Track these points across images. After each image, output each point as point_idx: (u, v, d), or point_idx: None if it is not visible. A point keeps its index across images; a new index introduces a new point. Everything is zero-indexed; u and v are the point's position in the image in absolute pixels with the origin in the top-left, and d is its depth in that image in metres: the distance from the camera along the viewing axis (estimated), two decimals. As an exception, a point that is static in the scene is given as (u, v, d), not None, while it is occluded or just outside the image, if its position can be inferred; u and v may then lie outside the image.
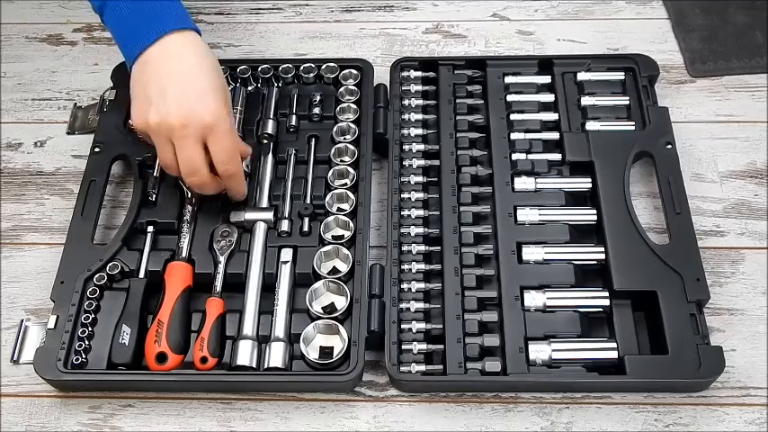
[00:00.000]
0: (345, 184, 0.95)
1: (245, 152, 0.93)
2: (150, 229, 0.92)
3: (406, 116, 1.00)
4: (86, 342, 0.84)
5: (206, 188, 0.89)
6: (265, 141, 0.98)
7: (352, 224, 0.91)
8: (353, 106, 1.01)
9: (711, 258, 0.92)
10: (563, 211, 0.92)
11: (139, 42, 0.85)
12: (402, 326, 0.85)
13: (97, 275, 0.88)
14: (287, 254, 0.90)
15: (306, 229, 0.92)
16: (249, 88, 1.04)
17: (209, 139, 0.85)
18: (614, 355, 0.82)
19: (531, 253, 0.89)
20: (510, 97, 1.01)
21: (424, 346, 0.84)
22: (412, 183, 0.95)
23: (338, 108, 1.01)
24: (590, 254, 0.89)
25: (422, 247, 0.90)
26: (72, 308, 0.85)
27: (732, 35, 1.11)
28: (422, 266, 0.89)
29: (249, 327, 0.85)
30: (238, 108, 1.01)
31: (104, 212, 0.95)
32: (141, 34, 0.86)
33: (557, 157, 0.97)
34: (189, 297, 0.87)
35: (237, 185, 0.91)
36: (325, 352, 0.84)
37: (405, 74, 1.04)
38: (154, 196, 0.94)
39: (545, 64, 1.04)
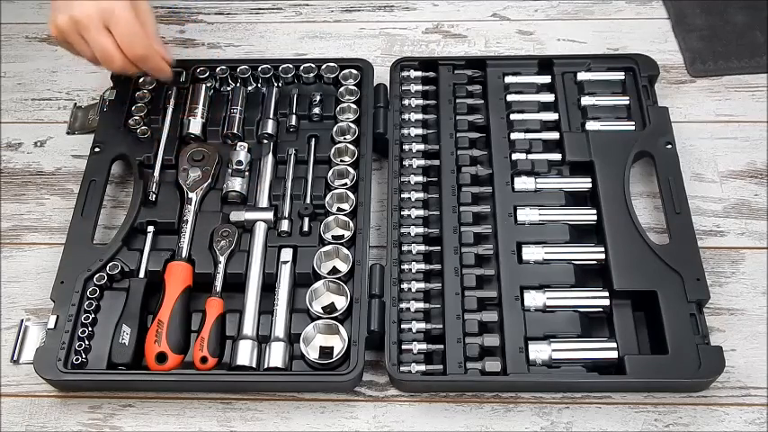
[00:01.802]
0: (345, 184, 0.95)
1: (163, 53, 0.94)
2: (150, 229, 0.92)
3: (406, 116, 1.00)
4: (86, 342, 0.84)
5: (130, 71, 0.93)
6: (265, 141, 0.98)
7: (352, 224, 0.91)
8: (353, 106, 1.01)
9: (711, 258, 0.92)
10: (563, 211, 0.92)
11: None
12: (402, 326, 0.85)
13: (97, 275, 0.88)
14: (287, 254, 0.90)
15: (306, 229, 0.92)
16: (249, 88, 1.04)
17: (110, 25, 0.89)
18: (614, 355, 0.82)
19: (531, 253, 0.89)
20: (510, 97, 1.01)
21: (424, 346, 0.84)
22: (412, 183, 0.95)
23: (338, 108, 1.01)
24: (590, 254, 0.89)
25: (422, 247, 0.90)
26: (72, 308, 0.85)
27: (732, 35, 1.11)
28: (422, 266, 0.89)
29: (249, 327, 0.85)
30: (238, 108, 1.01)
31: (104, 212, 0.95)
32: None
33: (557, 157, 0.97)
34: (189, 297, 0.87)
35: (155, 67, 0.93)
36: (325, 352, 0.84)
37: (405, 74, 1.04)
38: (154, 196, 0.94)
39: (545, 64, 1.04)
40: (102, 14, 0.89)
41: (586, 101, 1.00)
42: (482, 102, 1.01)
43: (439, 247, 0.90)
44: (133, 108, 1.01)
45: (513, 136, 0.98)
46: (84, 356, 0.83)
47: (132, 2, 0.90)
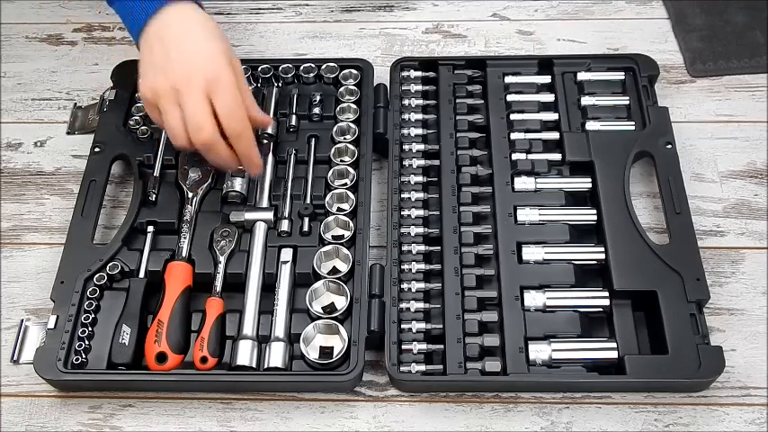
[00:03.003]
0: (345, 184, 0.95)
1: (265, 121, 0.92)
2: (150, 229, 0.92)
3: (406, 116, 1.00)
4: (86, 342, 0.84)
5: (217, 150, 0.85)
6: (265, 141, 0.98)
7: (352, 224, 0.91)
8: (353, 106, 1.01)
9: (711, 258, 0.92)
10: (563, 210, 0.92)
11: (141, 18, 0.86)
12: (402, 326, 0.85)
13: (97, 275, 0.88)
14: (287, 254, 0.90)
15: (306, 229, 0.92)
16: (249, 88, 1.04)
17: (213, 94, 0.83)
18: (614, 355, 0.82)
19: (531, 253, 0.89)
20: (510, 97, 1.01)
21: (424, 346, 0.84)
22: (412, 183, 0.95)
23: (338, 108, 1.01)
24: (590, 254, 0.89)
25: (422, 247, 0.90)
26: (72, 308, 0.85)
27: (732, 35, 1.11)
28: (422, 266, 0.89)
29: (249, 327, 0.85)
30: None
31: (104, 212, 0.95)
32: (142, 10, 0.87)
33: (557, 157, 0.97)
34: (189, 297, 0.87)
35: (247, 149, 0.87)
36: (325, 352, 0.84)
37: (405, 74, 1.04)
38: (154, 196, 0.94)
39: (545, 64, 1.04)
40: (207, 84, 0.82)
41: (586, 101, 1.00)
42: (482, 102, 1.01)
43: (439, 247, 0.90)
44: (133, 108, 1.01)
45: (513, 136, 0.98)
46: (84, 356, 0.83)
47: (233, 64, 0.86)
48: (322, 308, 0.87)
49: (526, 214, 0.91)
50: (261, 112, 0.91)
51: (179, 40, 0.85)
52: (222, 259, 0.90)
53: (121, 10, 0.91)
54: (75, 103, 1.08)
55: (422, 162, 0.96)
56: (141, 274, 0.89)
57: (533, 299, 0.85)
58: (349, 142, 0.97)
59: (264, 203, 0.94)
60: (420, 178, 0.95)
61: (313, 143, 0.99)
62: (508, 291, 0.86)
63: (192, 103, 0.83)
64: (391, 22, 1.16)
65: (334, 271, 0.89)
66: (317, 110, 1.01)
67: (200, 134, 0.84)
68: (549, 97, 1.01)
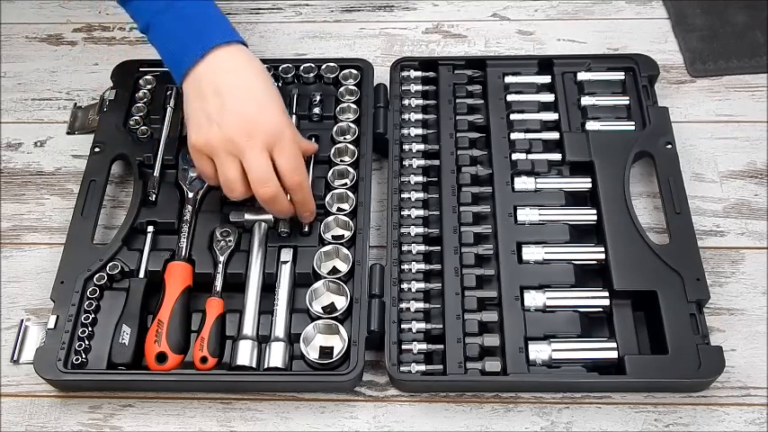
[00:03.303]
0: (345, 184, 0.95)
1: (311, 149, 0.93)
2: (150, 229, 0.92)
3: (406, 116, 1.00)
4: (86, 342, 0.84)
5: (280, 202, 0.85)
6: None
7: (352, 224, 0.91)
8: (353, 106, 1.01)
9: (711, 258, 0.92)
10: (563, 211, 0.92)
11: (188, 57, 0.84)
12: (402, 326, 0.85)
13: (97, 275, 0.88)
14: (287, 254, 0.90)
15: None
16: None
17: (275, 148, 0.83)
18: (614, 355, 0.82)
19: (531, 253, 0.89)
20: (510, 97, 1.01)
21: (424, 346, 0.84)
22: (412, 183, 0.95)
23: (338, 108, 1.01)
24: (590, 254, 0.89)
25: (422, 247, 0.90)
26: (72, 308, 0.85)
27: (732, 35, 1.11)
28: (422, 266, 0.89)
29: (249, 327, 0.85)
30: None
31: (104, 212, 0.95)
32: (189, 49, 0.84)
33: (557, 157, 0.97)
34: (189, 297, 0.87)
35: (305, 197, 0.87)
36: (325, 352, 0.84)
37: (405, 74, 1.04)
38: (154, 196, 0.94)
39: (545, 64, 1.04)
40: (269, 139, 0.82)
41: (586, 101, 1.00)
42: (482, 102, 1.01)
43: (439, 247, 0.90)
44: (133, 108, 1.01)
45: (513, 136, 0.98)
46: (84, 356, 0.83)
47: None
48: (322, 308, 0.87)
49: (526, 214, 0.91)
50: (307, 143, 0.91)
51: (234, 90, 0.83)
52: (222, 259, 0.90)
53: (165, 46, 0.88)
54: (75, 103, 1.08)
55: (422, 162, 0.96)
56: (141, 274, 0.89)
57: (533, 299, 0.85)
58: (349, 142, 0.97)
59: (264, 203, 0.94)
60: (420, 178, 0.95)
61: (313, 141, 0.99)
62: (508, 291, 0.86)
63: (254, 157, 0.82)
64: (391, 22, 1.16)
65: (334, 271, 0.89)
66: (317, 110, 1.01)
67: (265, 189, 0.83)
68: (549, 97, 1.01)
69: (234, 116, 0.82)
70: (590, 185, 0.94)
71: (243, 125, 0.82)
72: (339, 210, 0.93)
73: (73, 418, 0.83)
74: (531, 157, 0.96)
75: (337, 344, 0.84)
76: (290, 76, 1.03)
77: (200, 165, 0.86)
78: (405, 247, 0.90)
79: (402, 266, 0.89)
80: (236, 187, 0.84)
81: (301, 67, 1.04)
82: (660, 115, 0.98)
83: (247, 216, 0.92)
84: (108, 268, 0.88)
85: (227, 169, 0.83)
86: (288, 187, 0.85)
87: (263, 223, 0.92)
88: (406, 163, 0.96)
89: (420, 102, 1.02)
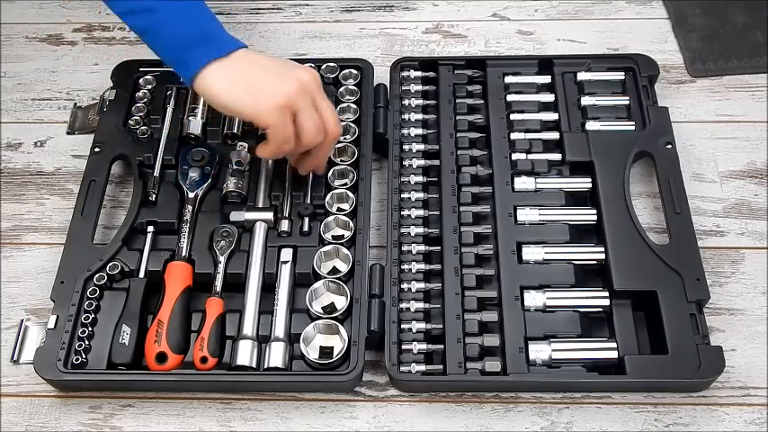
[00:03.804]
0: (345, 184, 0.95)
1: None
2: (150, 229, 0.92)
3: (406, 116, 1.00)
4: (86, 342, 0.84)
5: (327, 149, 0.90)
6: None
7: (352, 224, 0.91)
8: (353, 106, 1.01)
9: (711, 258, 0.92)
10: (563, 211, 0.92)
11: (196, 64, 0.83)
12: (402, 326, 0.85)
13: (97, 275, 0.88)
14: (287, 254, 0.90)
15: (306, 229, 0.92)
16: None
17: (317, 98, 0.85)
18: (614, 355, 0.82)
19: (531, 253, 0.89)
20: (510, 97, 1.01)
21: (424, 346, 0.84)
22: (412, 183, 0.95)
23: (338, 108, 1.01)
24: (590, 254, 0.89)
25: (422, 247, 0.90)
26: (72, 308, 0.85)
27: (732, 35, 1.11)
28: (422, 266, 0.89)
29: (249, 327, 0.85)
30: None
31: (104, 212, 0.95)
32: (196, 59, 0.83)
33: (557, 157, 0.97)
34: (189, 297, 0.87)
35: (328, 151, 0.91)
36: (325, 352, 0.84)
37: (405, 74, 1.04)
38: (154, 196, 0.94)
39: (545, 64, 1.04)
40: (312, 91, 0.85)
41: (586, 101, 1.00)
42: (482, 102, 1.01)
43: (439, 247, 0.90)
44: (133, 108, 1.01)
45: (513, 136, 0.98)
46: (84, 356, 0.83)
47: None
48: (322, 308, 0.87)
49: (526, 214, 0.91)
50: None
51: (269, 61, 0.86)
52: (222, 259, 0.90)
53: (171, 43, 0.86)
54: (75, 103, 1.08)
55: (422, 162, 0.96)
56: (141, 274, 0.89)
57: (533, 299, 0.85)
58: (349, 142, 0.97)
59: (264, 203, 0.94)
60: (420, 178, 0.95)
61: (313, 143, 0.99)
62: (508, 291, 0.86)
63: (308, 110, 0.84)
64: (391, 22, 1.16)
65: (334, 271, 0.89)
66: (317, 110, 1.01)
67: (318, 137, 0.86)
68: (549, 97, 1.01)
69: (289, 70, 0.84)
70: (590, 185, 0.94)
71: (290, 85, 0.83)
72: (339, 210, 0.93)
73: (73, 418, 0.83)
74: (531, 157, 0.96)
75: (337, 344, 0.84)
76: (290, 76, 1.03)
77: (284, 126, 0.84)
78: (405, 247, 0.90)
79: (402, 266, 0.89)
80: (318, 131, 0.86)
81: (301, 67, 1.04)
82: (660, 115, 0.98)
83: (247, 216, 0.92)
84: (108, 268, 0.88)
85: (312, 114, 0.85)
86: (329, 136, 0.88)
87: (263, 223, 0.92)
88: (406, 163, 0.96)
89: (420, 102, 1.02)
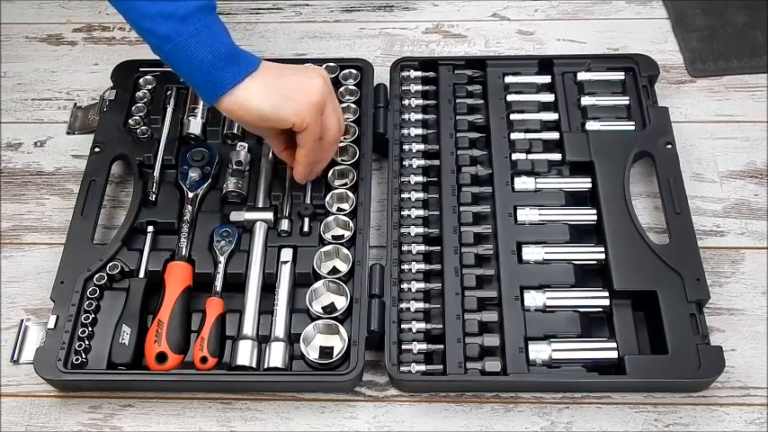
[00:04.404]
0: (345, 183, 0.95)
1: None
2: (150, 229, 0.92)
3: (406, 116, 1.00)
4: (86, 342, 0.84)
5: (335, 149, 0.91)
6: (265, 141, 0.98)
7: (352, 224, 0.91)
8: (353, 106, 1.01)
9: (711, 258, 0.92)
10: (563, 211, 0.92)
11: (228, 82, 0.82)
12: (402, 326, 0.85)
13: (97, 275, 0.88)
14: (287, 254, 0.90)
15: (306, 229, 0.92)
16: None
17: (330, 102, 0.86)
18: (614, 355, 0.82)
19: (531, 253, 0.89)
20: (510, 97, 1.01)
21: (424, 346, 0.84)
22: (412, 183, 0.95)
23: (338, 108, 1.01)
24: (590, 254, 0.89)
25: (422, 247, 0.90)
26: (72, 308, 0.85)
27: (732, 35, 1.11)
28: (422, 266, 0.89)
29: (249, 327, 0.85)
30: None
31: (104, 212, 0.95)
32: (229, 79, 0.82)
33: (557, 157, 0.97)
34: (189, 297, 0.87)
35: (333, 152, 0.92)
36: (325, 352, 0.84)
37: (405, 74, 1.04)
38: (154, 196, 0.94)
39: (545, 64, 1.04)
40: (329, 97, 0.86)
41: (586, 101, 1.00)
42: (482, 102, 1.01)
43: (439, 247, 0.90)
44: (133, 108, 1.01)
45: (513, 136, 0.98)
46: (84, 356, 0.83)
47: None
48: (322, 308, 0.87)
49: (526, 214, 0.91)
50: None
51: (287, 67, 0.86)
52: (222, 259, 0.90)
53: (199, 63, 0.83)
54: (75, 103, 1.08)
55: (422, 162, 0.96)
56: (141, 274, 0.89)
57: (533, 299, 0.85)
58: (349, 142, 0.97)
59: (264, 203, 0.94)
60: (420, 178, 0.95)
61: (313, 143, 0.99)
62: (508, 291, 0.86)
63: (333, 111, 0.86)
64: (391, 22, 1.16)
65: (334, 271, 0.89)
66: (317, 110, 1.01)
67: (339, 135, 0.89)
68: (549, 97, 1.01)
69: (309, 70, 0.86)
70: (590, 185, 0.94)
71: (315, 92, 0.84)
72: (339, 210, 0.93)
73: (73, 418, 0.83)
74: (531, 157, 0.96)
75: (337, 344, 0.84)
76: (290, 76, 1.03)
77: (318, 124, 0.85)
78: (405, 247, 0.90)
79: (402, 266, 0.89)
80: (339, 128, 0.88)
81: (301, 67, 1.04)
82: (660, 115, 0.98)
83: (247, 216, 0.92)
84: (108, 268, 0.88)
85: (336, 108, 0.87)
86: (337, 138, 0.89)
87: (263, 223, 0.92)
88: (406, 163, 0.96)
89: (420, 102, 1.02)
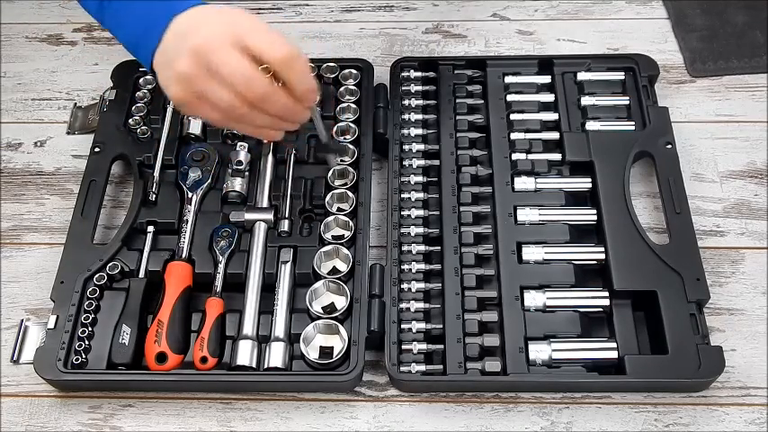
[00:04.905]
0: (345, 183, 0.95)
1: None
2: (150, 229, 0.92)
3: (406, 116, 1.00)
4: (86, 342, 0.84)
5: (277, 98, 0.74)
6: (265, 141, 0.98)
7: (352, 224, 0.91)
8: (353, 106, 1.01)
9: (711, 258, 0.92)
10: (563, 211, 0.92)
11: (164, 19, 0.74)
12: (402, 326, 0.85)
13: (97, 275, 0.88)
14: (287, 254, 0.90)
15: (306, 229, 0.92)
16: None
17: (242, 38, 0.70)
18: (614, 354, 0.82)
19: (531, 253, 0.89)
20: (510, 97, 1.01)
21: (424, 346, 0.84)
22: (412, 183, 0.95)
23: (338, 108, 1.01)
24: (590, 254, 0.89)
25: (422, 247, 0.90)
26: (72, 308, 0.85)
27: (732, 35, 1.11)
28: (422, 266, 0.89)
29: (249, 327, 0.85)
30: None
31: (104, 212, 0.95)
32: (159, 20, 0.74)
33: (557, 157, 0.97)
34: (189, 297, 0.87)
35: (305, 76, 0.74)
36: (325, 352, 0.84)
37: (405, 74, 1.04)
38: (154, 196, 0.94)
39: (545, 64, 1.04)
40: (231, 31, 0.70)
41: (586, 101, 1.00)
42: (482, 102, 1.01)
43: (439, 247, 0.90)
44: (133, 108, 1.01)
45: (513, 136, 0.98)
46: (84, 356, 0.84)
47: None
48: (322, 308, 0.87)
49: (526, 214, 0.91)
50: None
51: (194, 25, 0.74)
52: (222, 259, 0.90)
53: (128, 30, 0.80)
54: (75, 103, 1.08)
55: (422, 162, 0.96)
56: (141, 274, 0.89)
57: (533, 299, 0.85)
58: (349, 142, 0.97)
59: (264, 203, 0.94)
60: (420, 178, 0.95)
61: (313, 143, 0.99)
62: (508, 291, 0.86)
63: (223, 60, 0.70)
64: (391, 22, 1.16)
65: (335, 271, 0.89)
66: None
67: (253, 86, 0.71)
68: (549, 97, 1.01)
69: (191, 39, 0.73)
70: (590, 185, 0.94)
71: (199, 39, 0.73)
72: (339, 210, 0.93)
73: (73, 418, 0.83)
74: (531, 157, 0.96)
75: (337, 344, 0.84)
76: (290, 76, 1.03)
77: (190, 110, 0.78)
78: (405, 247, 0.90)
79: (402, 266, 0.89)
80: (232, 104, 0.74)
81: (301, 67, 1.03)
82: (660, 115, 0.98)
83: (247, 216, 0.92)
84: (108, 268, 0.88)
85: (213, 92, 0.73)
86: (278, 68, 0.73)
87: (263, 223, 0.92)
88: (406, 163, 0.96)
89: (420, 102, 1.02)
